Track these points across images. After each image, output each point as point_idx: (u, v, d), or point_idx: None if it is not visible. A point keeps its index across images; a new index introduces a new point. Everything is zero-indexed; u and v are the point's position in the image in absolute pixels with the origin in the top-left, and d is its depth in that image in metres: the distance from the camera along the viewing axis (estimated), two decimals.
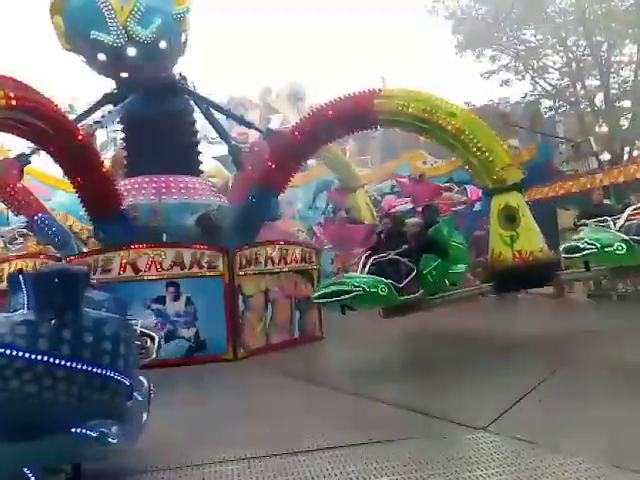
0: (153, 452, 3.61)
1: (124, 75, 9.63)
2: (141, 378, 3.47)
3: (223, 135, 11.34)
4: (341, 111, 7.90)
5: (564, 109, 16.43)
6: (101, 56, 9.08)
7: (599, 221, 7.16)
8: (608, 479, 2.82)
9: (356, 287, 5.53)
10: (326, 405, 4.86)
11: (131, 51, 8.98)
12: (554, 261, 7.00)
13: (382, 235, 6.87)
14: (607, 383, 4.81)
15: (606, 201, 8.18)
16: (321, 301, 5.95)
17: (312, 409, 4.67)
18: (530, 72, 16.06)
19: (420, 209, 8.88)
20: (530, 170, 17.18)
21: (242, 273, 7.64)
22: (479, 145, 7.03)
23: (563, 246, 5.67)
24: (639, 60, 15.03)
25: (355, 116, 7.88)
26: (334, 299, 5.66)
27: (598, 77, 15.33)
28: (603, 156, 15.65)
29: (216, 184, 13.83)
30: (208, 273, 7.48)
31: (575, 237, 5.66)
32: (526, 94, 16.52)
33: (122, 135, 11.27)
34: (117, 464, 3.38)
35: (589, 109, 15.58)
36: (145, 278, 7.26)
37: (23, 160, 9.52)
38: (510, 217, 7.01)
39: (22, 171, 9.58)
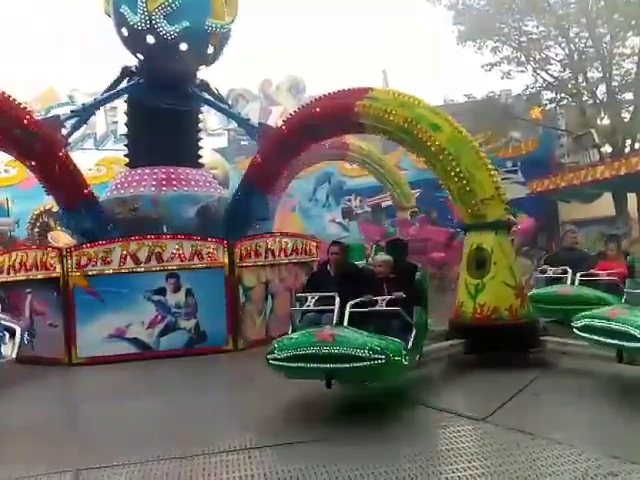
0: None
1: (140, 57, 9.71)
2: None
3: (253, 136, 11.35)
4: (325, 110, 7.34)
5: (566, 101, 16.36)
6: (124, 31, 9.28)
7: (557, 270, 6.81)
8: (607, 470, 2.82)
9: (374, 353, 3.71)
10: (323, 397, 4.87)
11: (150, 39, 9.05)
12: (530, 324, 5.64)
13: (328, 267, 5.38)
14: (602, 377, 4.82)
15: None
16: (300, 367, 3.93)
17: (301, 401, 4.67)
18: (532, 64, 15.97)
19: (383, 244, 7.57)
20: (532, 162, 17.37)
21: (242, 265, 7.64)
22: (458, 169, 5.82)
23: (581, 323, 4.49)
24: None
25: (337, 117, 7.17)
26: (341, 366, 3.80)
27: (600, 69, 15.25)
28: (605, 149, 15.61)
29: (217, 176, 13.85)
30: (208, 265, 7.48)
31: (603, 312, 4.46)
32: (527, 86, 16.44)
33: (123, 127, 11.25)
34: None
35: (591, 101, 15.51)
36: (145, 270, 7.26)
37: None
38: (480, 262, 5.76)
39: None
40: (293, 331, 4.62)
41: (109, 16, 9.56)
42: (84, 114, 10.25)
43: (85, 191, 8.67)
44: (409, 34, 50.01)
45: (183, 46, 9.14)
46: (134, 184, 9.95)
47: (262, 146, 9.13)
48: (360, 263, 5.79)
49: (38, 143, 7.86)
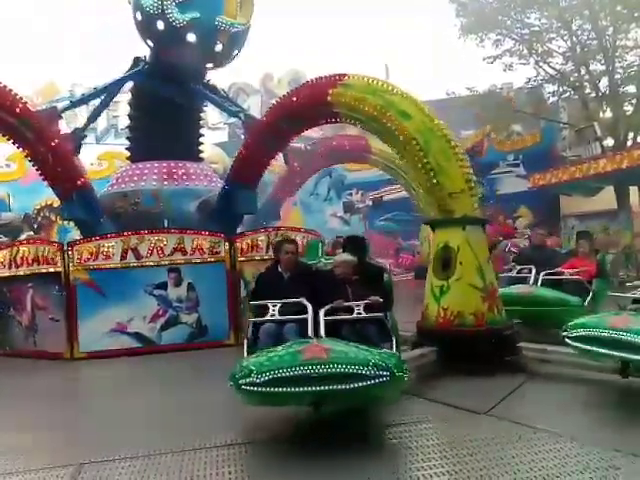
0: None
1: (150, 44, 9.79)
2: None
3: None
4: (300, 99, 7.01)
5: (568, 94, 16.27)
6: (138, 15, 9.45)
7: (522, 269, 6.66)
8: (608, 462, 2.82)
9: (378, 370, 3.15)
10: None
11: (160, 25, 9.18)
12: (498, 330, 5.00)
13: (279, 267, 4.69)
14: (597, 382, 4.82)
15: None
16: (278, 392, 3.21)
17: None
18: (534, 56, 15.89)
19: (341, 240, 6.53)
20: (534, 156, 17.31)
21: (243, 259, 7.64)
22: (426, 160, 5.29)
23: (576, 333, 4.01)
24: None
25: (311, 107, 6.79)
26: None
27: (603, 62, 15.15)
28: (607, 142, 15.55)
29: (217, 170, 13.84)
30: (210, 259, 7.48)
31: (604, 321, 3.93)
32: (530, 79, 16.36)
33: (124, 122, 11.31)
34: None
35: (593, 94, 15.43)
36: (147, 264, 7.26)
37: (79, 135, 9.69)
38: (446, 262, 5.22)
39: (79, 146, 9.73)
40: (249, 347, 4.01)
41: (129, 3, 9.76)
42: (102, 103, 10.48)
43: (79, 182, 8.66)
44: (411, 30, 49.81)
45: (191, 37, 9.20)
46: (135, 178, 9.97)
47: (246, 139, 9.08)
48: (312, 263, 5.23)
49: (30, 132, 7.94)
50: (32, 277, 7.43)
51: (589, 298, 6.07)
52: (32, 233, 12.39)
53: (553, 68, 16.03)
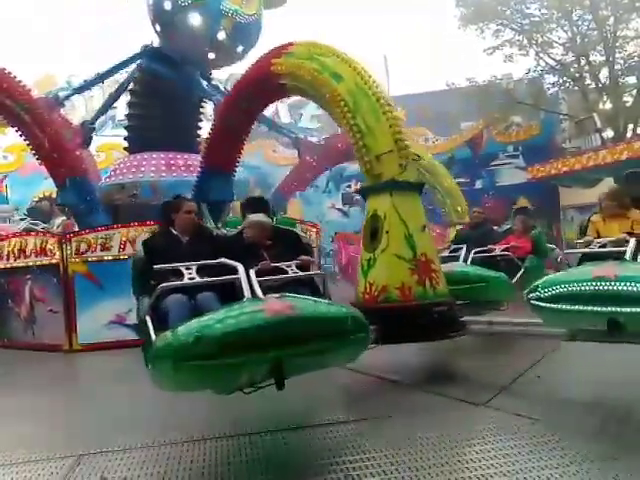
0: None
1: (158, 28, 9.93)
2: None
3: (283, 129, 11.42)
4: (248, 74, 6.71)
5: (568, 85, 16.21)
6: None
7: (455, 250, 6.52)
8: (608, 455, 2.82)
9: (358, 323, 2.91)
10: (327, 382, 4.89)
11: (167, 4, 9.35)
12: (427, 306, 4.43)
13: (174, 230, 4.00)
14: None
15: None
16: None
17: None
18: (534, 47, 15.83)
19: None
20: (533, 147, 17.27)
21: None
22: (353, 122, 4.85)
23: (547, 292, 3.47)
24: None
25: (258, 81, 6.42)
26: None
27: (603, 52, 15.09)
28: (606, 133, 15.51)
29: None
30: None
31: (585, 274, 3.42)
32: (530, 70, 16.29)
33: (122, 113, 11.33)
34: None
35: (593, 85, 15.38)
36: None
37: (88, 127, 9.69)
38: (374, 232, 4.72)
39: (90, 138, 9.73)
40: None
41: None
42: (112, 96, 10.45)
43: (75, 170, 8.69)
44: (412, 25, 49.61)
45: (195, 18, 9.20)
46: (133, 170, 9.93)
47: (212, 123, 8.89)
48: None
49: (29, 115, 8.03)
50: (31, 269, 7.42)
51: (519, 275, 6.02)
52: (65, 218, 12.34)
53: (553, 59, 15.96)
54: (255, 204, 4.45)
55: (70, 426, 4.05)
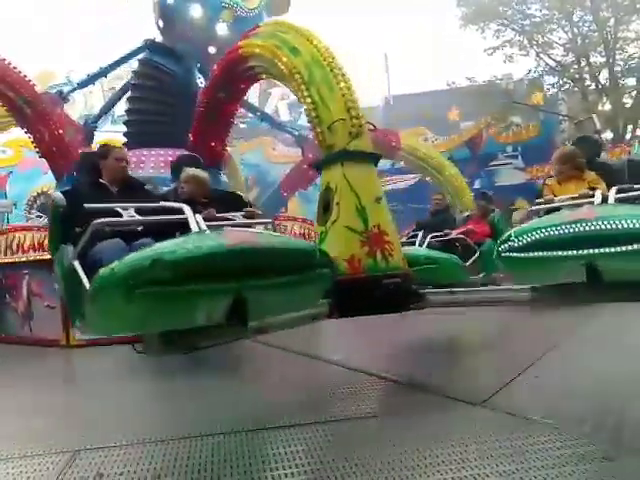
0: None
1: (161, 24, 10.13)
2: None
3: (286, 127, 11.50)
4: (223, 63, 6.62)
5: (568, 86, 16.25)
6: None
7: (413, 236, 6.62)
8: (602, 454, 2.82)
9: (324, 256, 2.92)
10: (321, 377, 4.89)
11: None
12: (377, 278, 4.29)
13: (102, 180, 3.63)
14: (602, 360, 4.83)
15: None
16: None
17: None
18: (534, 48, 15.88)
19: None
20: (532, 148, 17.32)
21: None
22: (307, 94, 4.67)
23: (520, 241, 3.09)
24: None
25: (231, 67, 6.29)
26: None
27: (603, 54, 15.13)
28: (606, 134, 15.54)
29: None
30: None
31: (561, 217, 3.17)
32: (530, 70, 16.31)
33: (121, 108, 11.40)
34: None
35: (593, 86, 15.41)
36: None
37: (90, 126, 9.77)
38: (327, 205, 4.66)
39: (92, 137, 9.80)
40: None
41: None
42: (116, 94, 10.46)
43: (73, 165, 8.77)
44: (414, 26, 49.69)
45: (196, 10, 9.25)
46: (132, 166, 9.90)
47: (194, 118, 8.74)
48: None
49: (30, 109, 8.18)
50: (28, 264, 7.40)
51: (473, 258, 6.13)
52: None
53: (553, 60, 16.00)
54: (188, 162, 4.18)
55: (67, 421, 4.05)
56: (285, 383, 4.77)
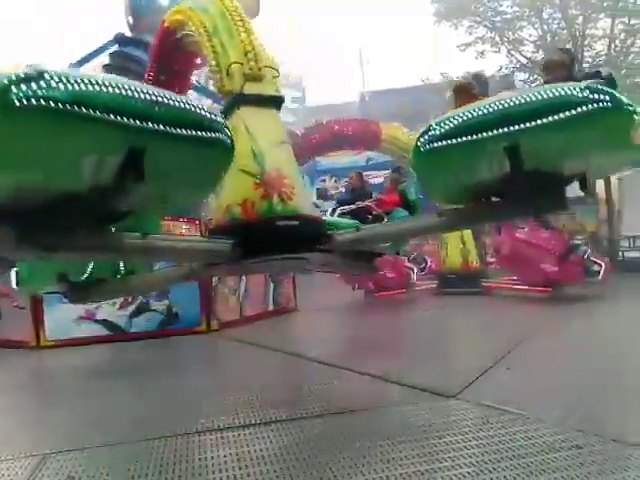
0: None
1: (131, 21, 10.17)
2: None
3: None
4: (156, 42, 6.36)
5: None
6: None
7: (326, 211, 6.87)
8: (572, 443, 2.89)
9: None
10: (298, 375, 4.88)
11: None
12: (270, 220, 3.95)
13: None
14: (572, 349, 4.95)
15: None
16: None
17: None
18: (506, 44, 16.07)
19: None
20: None
21: None
22: (210, 44, 4.54)
23: (439, 129, 2.76)
24: (613, 33, 15.13)
25: (163, 45, 6.07)
26: None
27: (572, 51, 15.40)
28: None
29: None
30: None
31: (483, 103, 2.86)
32: (501, 67, 16.55)
33: None
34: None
35: None
36: None
37: None
38: None
39: None
40: None
41: None
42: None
43: None
44: (391, 25, 49.90)
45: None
46: None
47: None
48: None
49: None
50: None
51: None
52: None
53: (524, 56, 16.24)
54: None
55: (36, 424, 3.95)
56: (259, 380, 4.75)
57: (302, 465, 2.81)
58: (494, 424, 3.23)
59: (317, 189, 18.95)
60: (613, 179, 15.02)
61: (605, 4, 14.36)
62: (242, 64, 4.29)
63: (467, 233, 11.24)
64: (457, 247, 11.09)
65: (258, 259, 3.77)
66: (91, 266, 3.80)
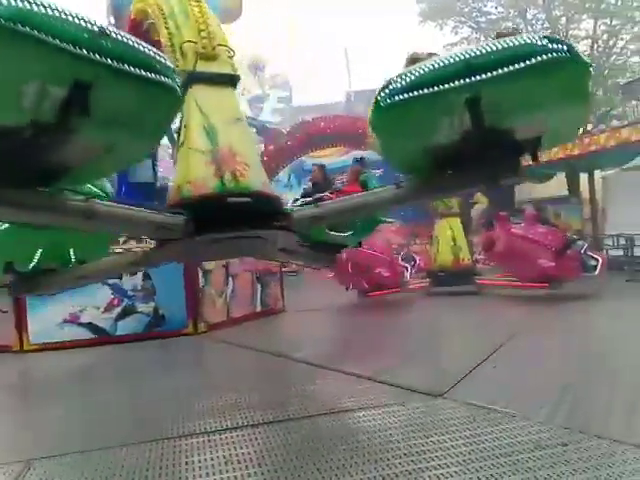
0: None
1: (112, 20, 9.95)
2: None
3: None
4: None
5: None
6: None
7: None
8: (558, 440, 2.91)
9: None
10: (285, 376, 4.87)
11: None
12: (228, 197, 3.81)
13: None
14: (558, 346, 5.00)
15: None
16: None
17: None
18: None
19: None
20: None
21: None
22: (166, 25, 4.50)
23: (403, 81, 2.70)
24: (595, 34, 15.32)
25: (132, 34, 6.12)
26: None
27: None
28: None
29: None
30: None
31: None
32: None
33: None
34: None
35: None
36: None
37: None
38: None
39: None
40: None
41: None
42: None
43: None
44: (377, 26, 50.00)
45: None
46: None
47: None
48: None
49: None
50: None
51: None
52: None
53: None
54: None
55: (19, 430, 3.90)
56: (246, 382, 4.73)
57: (290, 467, 2.80)
58: (481, 423, 3.25)
59: (304, 189, 18.91)
60: (597, 178, 15.21)
61: (587, 5, 14.54)
62: (195, 43, 4.23)
63: (458, 230, 11.25)
64: (448, 244, 11.09)
65: (210, 236, 3.65)
66: (39, 253, 3.60)
